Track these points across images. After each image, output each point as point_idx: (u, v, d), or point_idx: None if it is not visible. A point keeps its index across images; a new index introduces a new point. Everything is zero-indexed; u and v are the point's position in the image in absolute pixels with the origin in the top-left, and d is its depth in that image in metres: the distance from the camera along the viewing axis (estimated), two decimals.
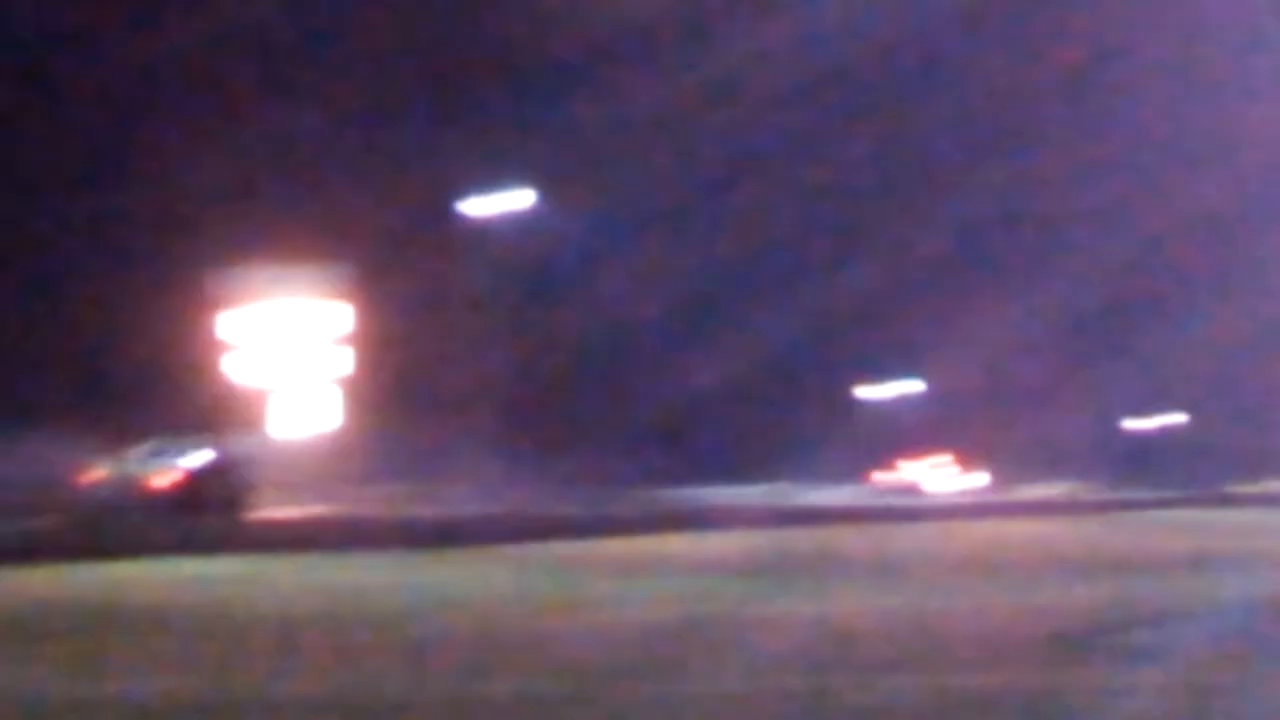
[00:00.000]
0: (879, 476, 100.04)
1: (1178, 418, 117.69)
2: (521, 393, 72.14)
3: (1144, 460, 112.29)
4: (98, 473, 43.97)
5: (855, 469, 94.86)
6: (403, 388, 64.97)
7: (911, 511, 67.53)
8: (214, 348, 55.60)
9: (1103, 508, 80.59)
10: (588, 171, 77.61)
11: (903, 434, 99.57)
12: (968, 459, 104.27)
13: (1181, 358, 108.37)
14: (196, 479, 44.37)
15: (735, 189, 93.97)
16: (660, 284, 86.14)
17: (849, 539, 46.62)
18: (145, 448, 45.51)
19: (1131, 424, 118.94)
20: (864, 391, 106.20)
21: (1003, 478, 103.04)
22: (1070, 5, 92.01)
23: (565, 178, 72.52)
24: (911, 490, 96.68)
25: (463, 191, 68.17)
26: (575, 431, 75.50)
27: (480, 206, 68.23)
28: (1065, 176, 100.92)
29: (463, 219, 68.54)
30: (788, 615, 22.87)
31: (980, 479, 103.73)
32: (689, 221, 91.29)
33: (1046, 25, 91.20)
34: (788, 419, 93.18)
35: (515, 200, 67.87)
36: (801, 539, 46.67)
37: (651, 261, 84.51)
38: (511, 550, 38.66)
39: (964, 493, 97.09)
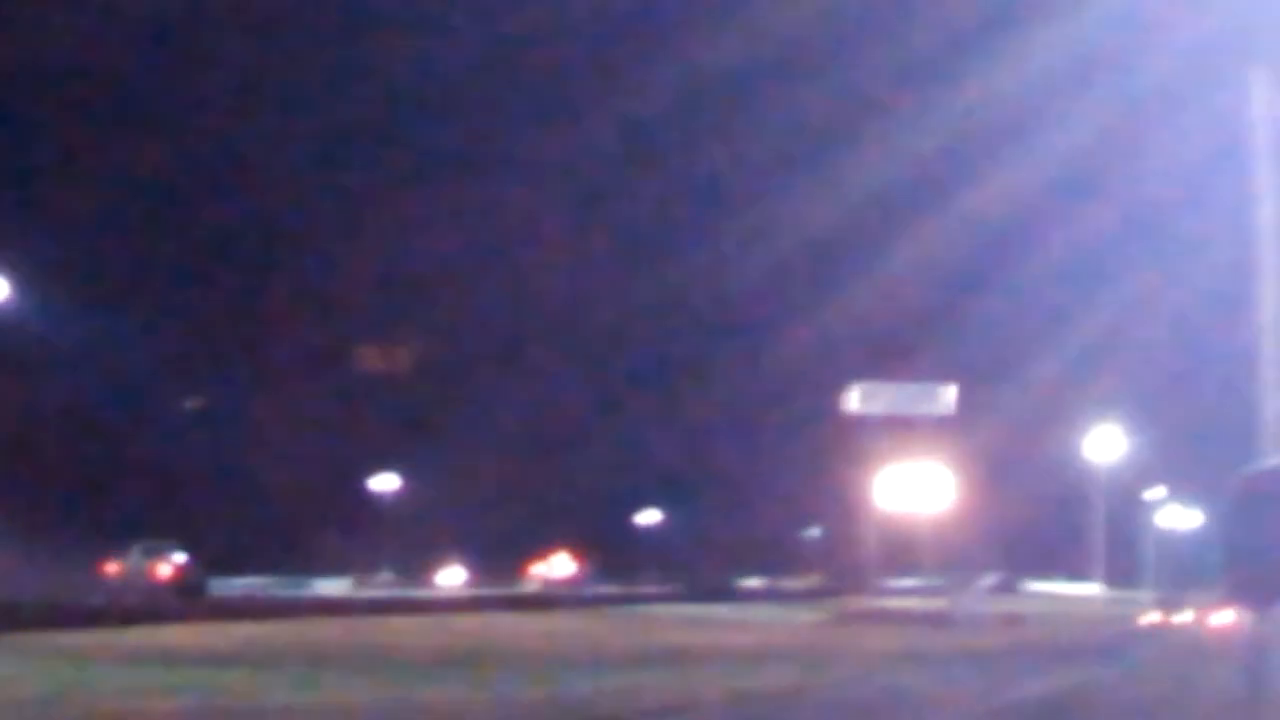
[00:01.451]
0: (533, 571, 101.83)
1: (655, 515, 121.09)
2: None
3: (642, 553, 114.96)
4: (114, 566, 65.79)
5: (358, 561, 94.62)
6: None
7: (402, 604, 67.34)
8: None
9: (603, 601, 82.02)
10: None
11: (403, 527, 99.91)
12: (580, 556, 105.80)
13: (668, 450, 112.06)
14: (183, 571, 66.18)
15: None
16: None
17: (338, 631, 46.46)
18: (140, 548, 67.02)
19: (639, 518, 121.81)
20: (376, 484, 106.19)
21: (482, 572, 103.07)
22: None
23: None
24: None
25: None
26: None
27: None
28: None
29: None
30: (294, 706, 22.76)
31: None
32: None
33: None
34: (293, 511, 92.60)
35: None
36: (299, 630, 46.35)
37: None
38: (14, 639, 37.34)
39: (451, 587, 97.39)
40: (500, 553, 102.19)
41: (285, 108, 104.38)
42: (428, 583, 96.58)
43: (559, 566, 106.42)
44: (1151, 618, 66.46)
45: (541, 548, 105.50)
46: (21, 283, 65.91)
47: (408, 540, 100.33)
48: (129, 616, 46.53)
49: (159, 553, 67.79)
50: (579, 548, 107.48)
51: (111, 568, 67.60)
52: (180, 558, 68.26)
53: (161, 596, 60.95)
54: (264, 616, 52.55)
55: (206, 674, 28.52)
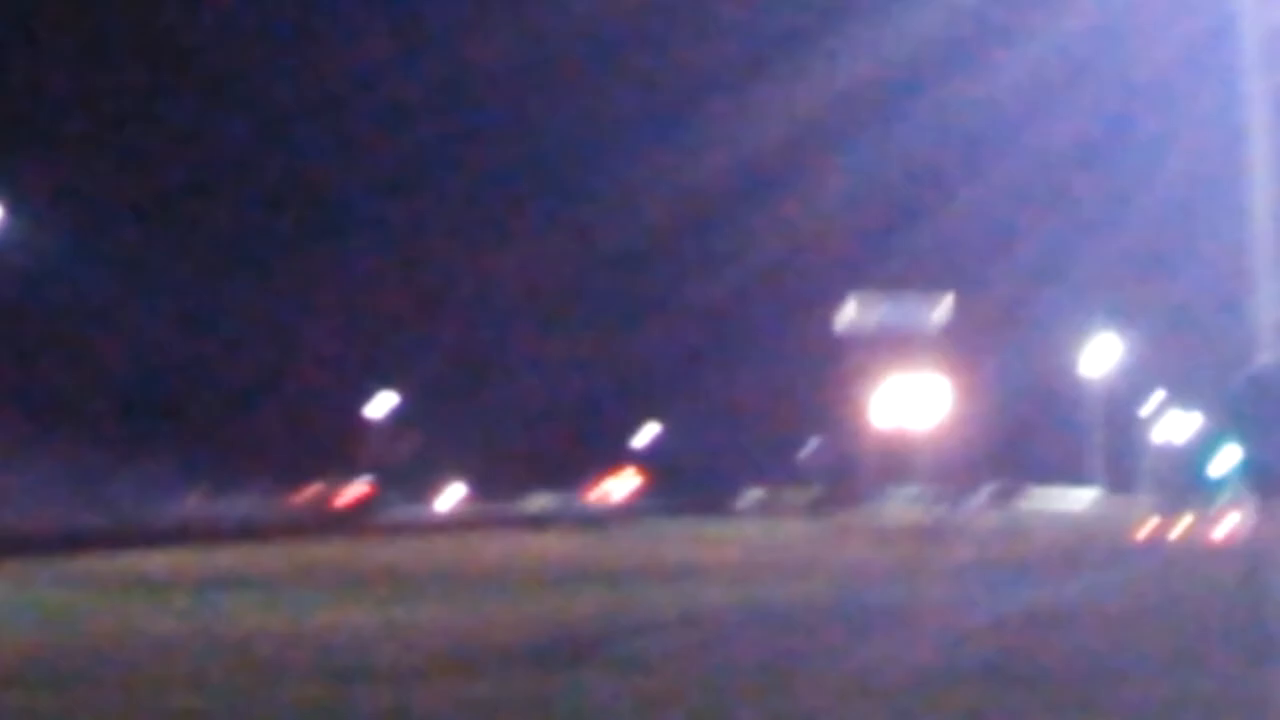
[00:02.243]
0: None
1: (654, 429, 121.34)
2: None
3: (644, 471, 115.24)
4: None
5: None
6: None
7: (389, 526, 67.39)
8: None
9: (602, 519, 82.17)
10: None
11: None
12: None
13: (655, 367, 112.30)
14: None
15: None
16: None
17: (328, 554, 46.48)
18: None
19: (639, 437, 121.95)
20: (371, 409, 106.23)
21: (483, 491, 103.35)
22: None
23: None
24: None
25: None
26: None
27: None
28: None
29: None
30: (296, 628, 22.70)
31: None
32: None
33: None
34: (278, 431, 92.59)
35: None
36: (313, 550, 46.43)
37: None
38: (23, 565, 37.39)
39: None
40: (501, 473, 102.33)
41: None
42: (428, 502, 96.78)
43: (624, 483, 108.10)
44: (1149, 525, 66.41)
45: (541, 469, 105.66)
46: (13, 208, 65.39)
47: (407, 460, 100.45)
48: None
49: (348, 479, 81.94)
50: (592, 468, 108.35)
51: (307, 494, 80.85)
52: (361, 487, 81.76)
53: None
54: (256, 538, 52.54)
55: (210, 595, 28.50)
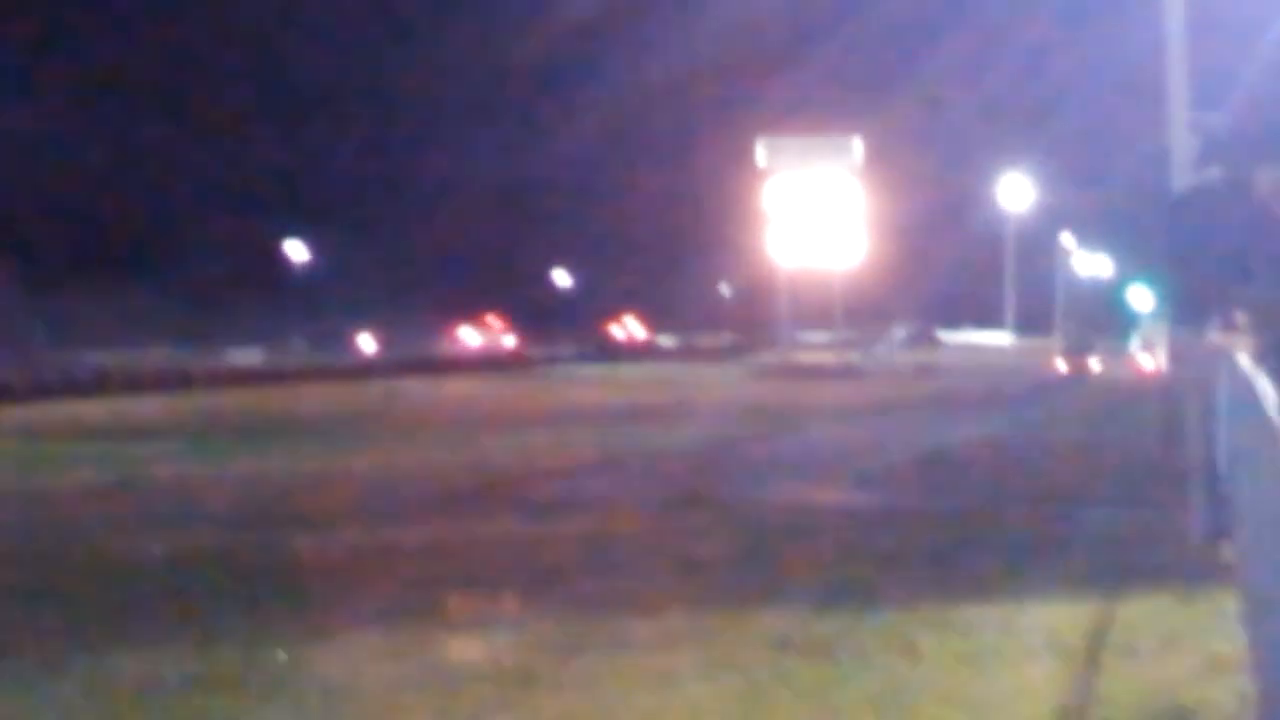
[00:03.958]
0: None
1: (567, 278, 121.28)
2: None
3: (559, 315, 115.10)
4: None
5: (279, 330, 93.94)
6: None
7: (323, 371, 66.92)
8: None
9: (521, 363, 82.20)
10: None
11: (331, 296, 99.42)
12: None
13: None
14: None
15: None
16: None
17: (264, 400, 46.37)
18: None
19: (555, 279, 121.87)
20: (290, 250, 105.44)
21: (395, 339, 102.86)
22: None
23: None
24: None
25: None
26: None
27: None
28: None
29: None
30: (208, 476, 22.64)
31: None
32: None
33: None
34: (202, 278, 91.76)
35: None
36: (229, 400, 46.24)
37: None
38: None
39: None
40: (414, 319, 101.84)
41: None
42: (341, 351, 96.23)
43: (631, 327, 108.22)
44: (1061, 366, 67.12)
45: (457, 313, 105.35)
46: None
47: (319, 309, 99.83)
48: None
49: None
50: (500, 312, 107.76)
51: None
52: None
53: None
54: (177, 387, 52.33)
55: (119, 446, 28.35)
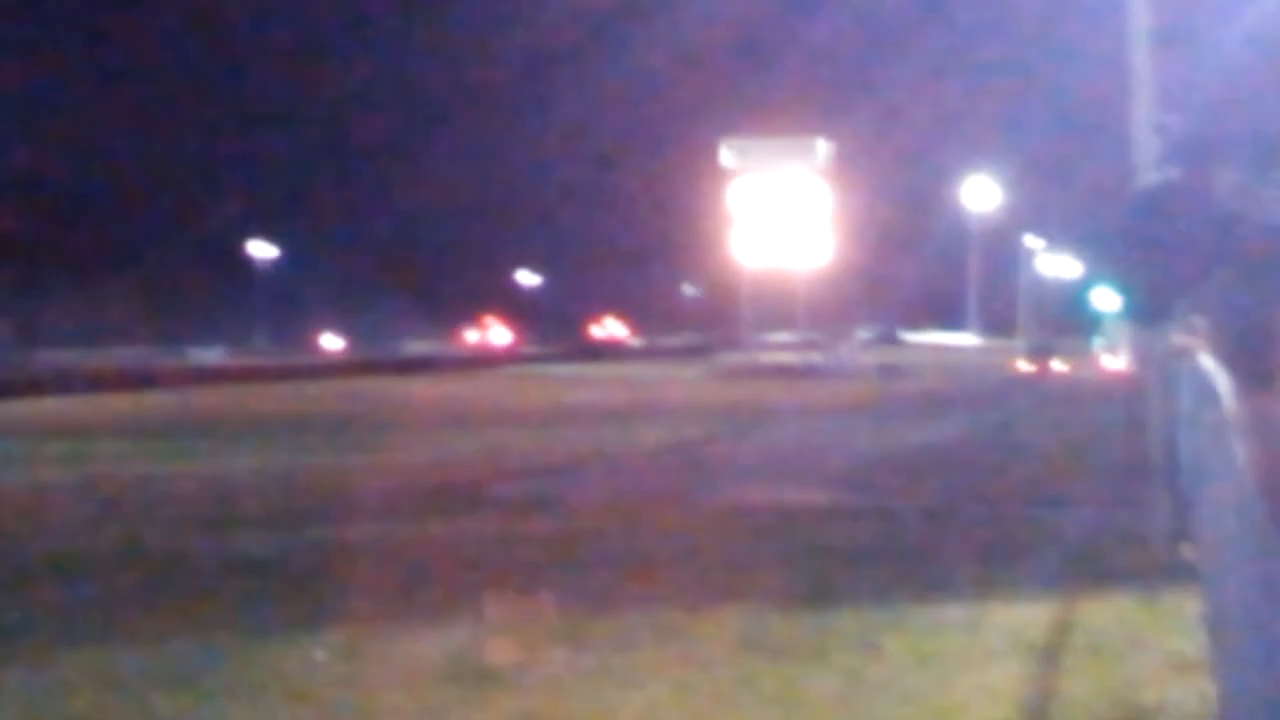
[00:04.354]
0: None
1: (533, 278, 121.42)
2: None
3: (525, 314, 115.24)
4: None
5: (244, 329, 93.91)
6: None
7: (286, 370, 66.86)
8: None
9: (486, 362, 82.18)
10: None
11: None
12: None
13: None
14: None
15: None
16: None
17: (226, 399, 46.28)
18: None
19: (520, 279, 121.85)
20: (254, 249, 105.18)
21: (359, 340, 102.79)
22: None
23: None
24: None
25: None
26: None
27: None
28: None
29: None
30: (169, 474, 22.55)
31: None
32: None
33: None
34: (170, 279, 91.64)
35: None
36: (192, 399, 46.14)
37: None
38: None
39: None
40: (379, 321, 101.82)
41: None
42: (305, 350, 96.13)
43: (610, 327, 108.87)
44: (1024, 367, 67.33)
45: (420, 313, 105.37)
46: None
47: (283, 308, 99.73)
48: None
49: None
50: (493, 312, 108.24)
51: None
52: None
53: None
54: (140, 386, 52.18)
55: (81, 445, 28.23)
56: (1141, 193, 5.34)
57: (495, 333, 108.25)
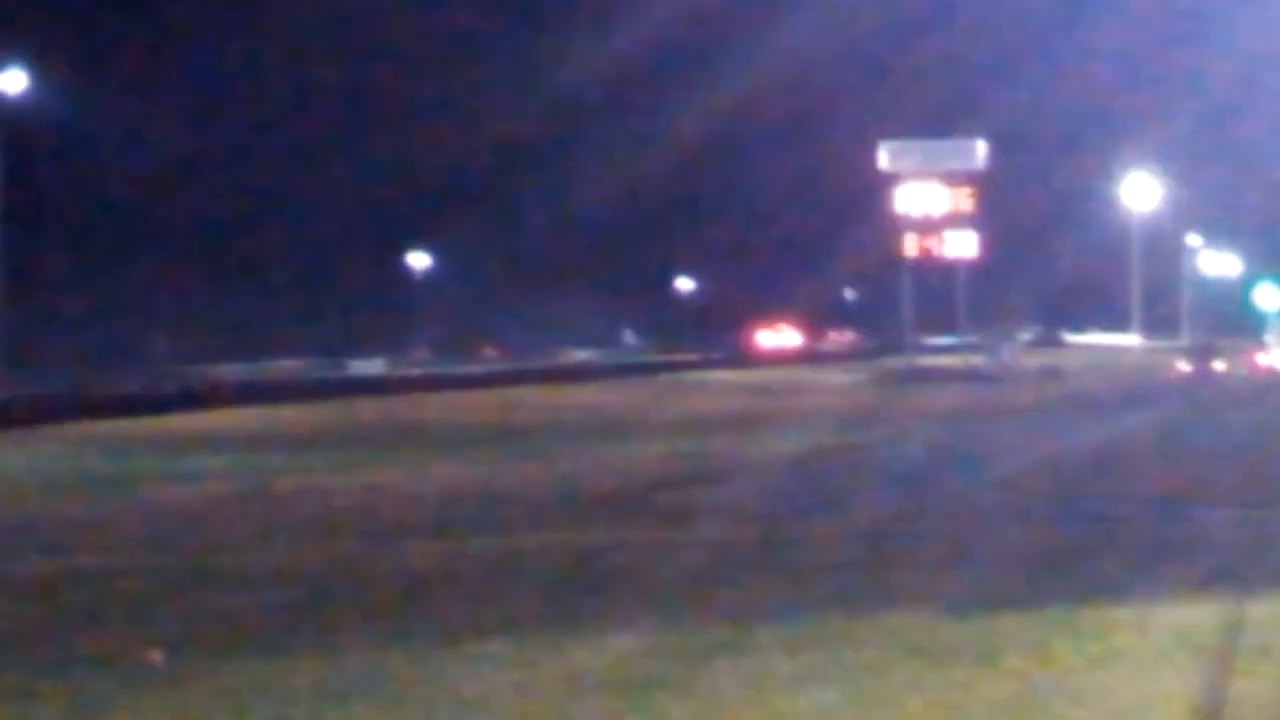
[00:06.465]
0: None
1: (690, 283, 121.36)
2: None
3: (684, 322, 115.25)
4: None
5: (396, 340, 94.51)
6: None
7: (446, 380, 67.06)
8: None
9: (644, 370, 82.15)
10: None
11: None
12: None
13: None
14: None
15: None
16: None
17: (398, 410, 46.57)
18: None
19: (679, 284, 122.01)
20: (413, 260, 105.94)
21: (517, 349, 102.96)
22: None
23: None
24: None
25: None
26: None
27: None
28: None
29: None
30: (335, 486, 22.78)
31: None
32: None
33: None
34: (329, 291, 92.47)
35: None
36: (352, 410, 46.50)
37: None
38: (65, 429, 37.43)
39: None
40: (535, 331, 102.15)
41: None
42: (466, 359, 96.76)
43: (785, 335, 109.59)
44: (1183, 367, 66.25)
45: (582, 325, 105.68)
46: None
47: (442, 318, 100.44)
48: None
49: None
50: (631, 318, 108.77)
51: None
52: None
53: None
54: (302, 399, 52.58)
55: (252, 457, 28.59)
56: None
57: (786, 335, 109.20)
